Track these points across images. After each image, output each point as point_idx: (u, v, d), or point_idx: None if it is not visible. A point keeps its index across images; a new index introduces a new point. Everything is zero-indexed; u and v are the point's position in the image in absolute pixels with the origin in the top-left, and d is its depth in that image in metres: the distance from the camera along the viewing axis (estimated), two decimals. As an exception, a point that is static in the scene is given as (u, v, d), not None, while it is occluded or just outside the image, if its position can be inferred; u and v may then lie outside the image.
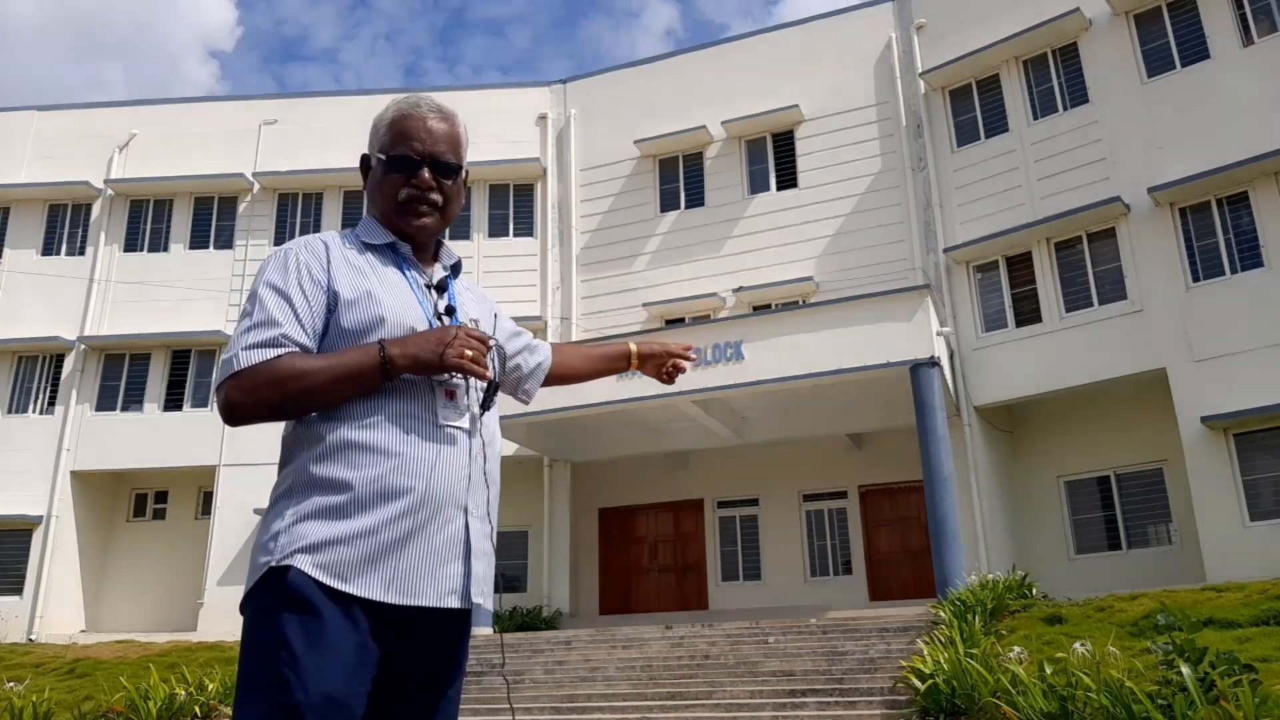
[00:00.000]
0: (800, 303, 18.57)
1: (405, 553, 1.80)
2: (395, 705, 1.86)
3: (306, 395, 1.81)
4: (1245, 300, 14.65)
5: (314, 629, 1.71)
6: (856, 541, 18.67)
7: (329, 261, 1.94)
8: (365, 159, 2.11)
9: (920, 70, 18.83)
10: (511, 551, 19.51)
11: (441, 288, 2.06)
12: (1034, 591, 12.82)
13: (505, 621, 16.70)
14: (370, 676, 1.77)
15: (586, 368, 2.43)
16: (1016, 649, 8.59)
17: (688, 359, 2.46)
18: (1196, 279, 15.31)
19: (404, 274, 2.02)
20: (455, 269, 2.14)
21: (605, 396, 15.98)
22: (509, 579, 19.60)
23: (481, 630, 15.13)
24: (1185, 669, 6.47)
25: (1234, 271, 15.01)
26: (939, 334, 15.33)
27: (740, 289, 19.40)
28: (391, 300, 1.94)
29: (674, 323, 19.78)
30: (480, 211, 21.80)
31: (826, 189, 19.37)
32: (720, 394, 15.88)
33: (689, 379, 15.50)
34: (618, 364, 2.44)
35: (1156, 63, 16.45)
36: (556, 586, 19.20)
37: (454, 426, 1.92)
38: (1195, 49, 16.09)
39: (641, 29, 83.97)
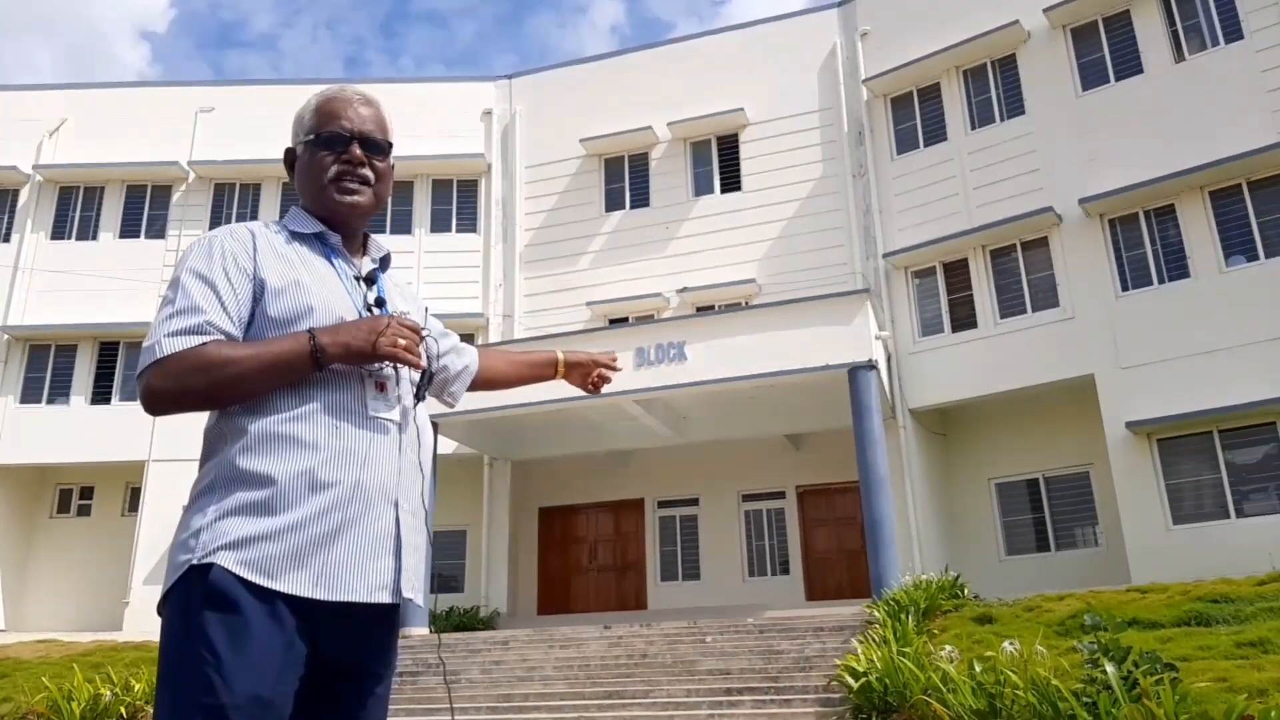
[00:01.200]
0: (743, 304, 18.69)
1: (334, 548, 1.76)
2: (324, 704, 1.82)
3: (233, 384, 1.76)
4: (1171, 310, 15.12)
5: (238, 628, 1.66)
6: (794, 541, 18.86)
7: (255, 249, 1.89)
8: (289, 152, 2.08)
9: (863, 77, 19.08)
10: (449, 551, 19.32)
11: (370, 280, 2.03)
12: (966, 592, 13.07)
13: (441, 622, 16.53)
14: (298, 675, 1.73)
15: (513, 373, 2.41)
16: (948, 648, 8.75)
17: (614, 369, 2.45)
18: (1125, 288, 15.75)
19: (332, 264, 1.98)
20: (384, 262, 2.10)
21: (547, 395, 15.85)
22: (446, 579, 19.40)
23: (417, 630, 14.95)
24: (1110, 668, 6.64)
25: (1161, 282, 15.48)
26: (877, 338, 15.56)
27: (684, 290, 19.47)
28: (320, 290, 1.90)
29: (617, 322, 19.77)
30: (423, 206, 21.55)
31: (770, 192, 19.53)
32: (663, 394, 15.92)
33: (632, 378, 15.54)
34: (544, 371, 2.42)
35: (1091, 76, 16.90)
36: (494, 586, 19.06)
37: (385, 418, 1.88)
38: (1129, 64, 16.56)
39: (588, 25, 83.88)
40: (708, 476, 19.45)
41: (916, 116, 18.72)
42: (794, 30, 20.44)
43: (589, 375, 2.44)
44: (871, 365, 14.88)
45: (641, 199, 20.83)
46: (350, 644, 1.82)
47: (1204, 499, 14.41)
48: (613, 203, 21.03)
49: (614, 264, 20.31)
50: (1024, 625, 10.18)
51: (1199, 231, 15.24)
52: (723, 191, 20.22)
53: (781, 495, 19.18)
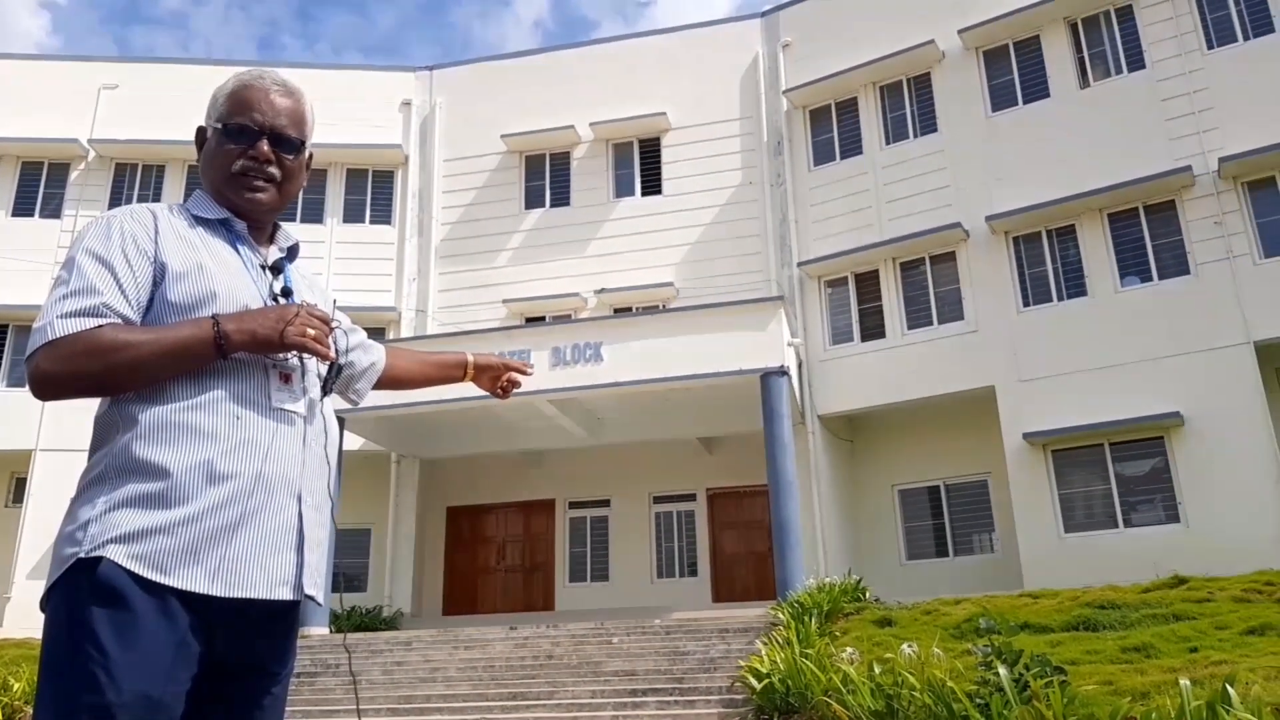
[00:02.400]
0: (660, 307, 18.77)
1: (233, 542, 1.70)
2: (219, 703, 1.77)
3: (129, 370, 1.69)
4: (1069, 326, 15.74)
5: (127, 624, 1.60)
6: (703, 543, 19.03)
7: (157, 231, 1.81)
8: (201, 131, 1.99)
9: (784, 88, 19.38)
10: (352, 550, 18.90)
11: (277, 269, 1.96)
12: (867, 595, 13.36)
13: (343, 621, 16.18)
14: (191, 674, 1.67)
15: (420, 373, 2.35)
16: (849, 650, 8.93)
17: (525, 374, 2.42)
18: (1027, 304, 16.34)
19: (237, 252, 1.91)
20: (292, 252, 2.04)
21: (460, 393, 15.63)
22: (349, 578, 18.98)
23: (317, 630, 14.61)
24: (1002, 670, 6.86)
25: (1060, 299, 16.11)
26: (790, 344, 15.83)
27: (602, 290, 19.47)
28: (224, 276, 1.83)
29: (534, 320, 19.66)
30: (336, 196, 21.05)
31: (690, 197, 19.67)
32: (578, 394, 15.89)
33: (547, 378, 15.46)
34: (453, 373, 2.38)
35: (1001, 98, 17.49)
36: (398, 586, 18.74)
37: (289, 410, 1.83)
38: (1037, 88, 17.19)
39: (512, 19, 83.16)
40: (620, 478, 19.48)
41: (834, 129, 19.10)
42: (718, 38, 20.64)
43: (498, 379, 2.41)
44: (783, 371, 15.12)
45: (562, 198, 20.76)
46: (248, 642, 1.77)
47: (1094, 509, 15.05)
48: (533, 200, 20.90)
49: (532, 262, 20.19)
50: (922, 628, 10.45)
51: (1097, 252, 15.91)
52: (643, 194, 20.29)
53: (692, 498, 19.34)
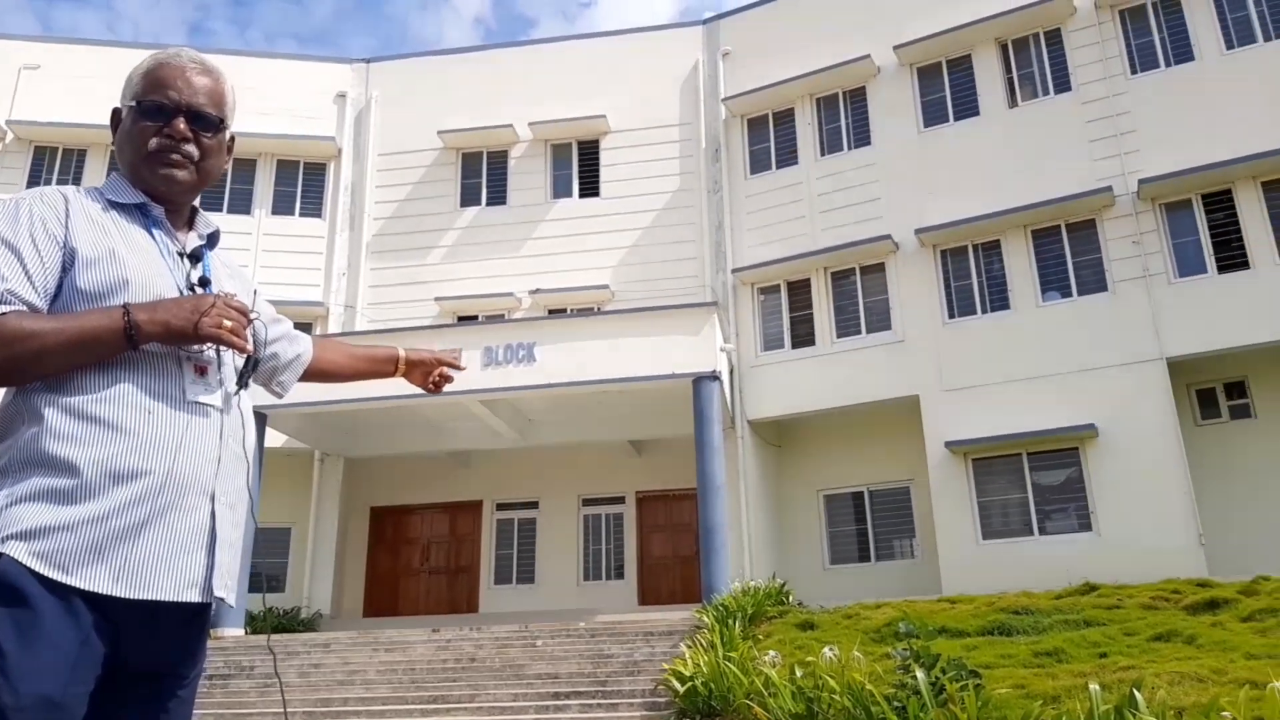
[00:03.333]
0: (595, 309, 18.75)
1: (140, 541, 1.64)
2: (124, 705, 1.71)
3: (34, 360, 1.62)
4: (991, 338, 16.16)
5: (26, 624, 1.54)
6: (630, 546, 19.04)
7: (68, 215, 1.75)
8: (116, 112, 1.93)
9: (723, 96, 19.54)
10: (271, 549, 18.43)
11: (196, 257, 1.90)
12: (791, 599, 13.52)
13: (259, 623, 15.79)
14: (94, 675, 1.61)
15: (349, 367, 2.29)
16: (771, 653, 9.00)
17: (457, 368, 2.39)
18: (952, 315, 16.72)
19: (153, 238, 1.84)
20: (212, 240, 1.97)
21: (387, 391, 15.36)
22: (266, 578, 18.52)
23: (231, 631, 14.26)
24: (920, 674, 6.99)
25: (984, 311, 16.52)
26: (722, 350, 15.95)
27: (537, 291, 19.37)
28: (138, 263, 1.77)
29: (467, 319, 19.48)
30: (265, 187, 20.56)
31: (627, 201, 19.70)
32: (509, 395, 15.79)
33: (478, 378, 15.32)
34: (384, 367, 2.32)
35: (933, 114, 17.89)
36: (318, 587, 18.36)
37: (205, 404, 1.77)
38: (967, 106, 17.62)
39: (452, 13, 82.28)
40: (549, 480, 19.39)
41: (771, 139, 19.31)
42: (659, 43, 20.72)
43: (430, 374, 2.37)
44: (716, 376, 15.23)
45: (498, 196, 20.60)
46: (155, 644, 1.71)
47: (1011, 517, 15.46)
48: (468, 198, 20.71)
49: (466, 260, 20.00)
50: (843, 632, 10.60)
51: (1020, 267, 16.36)
52: (581, 196, 20.25)
53: (621, 500, 19.34)
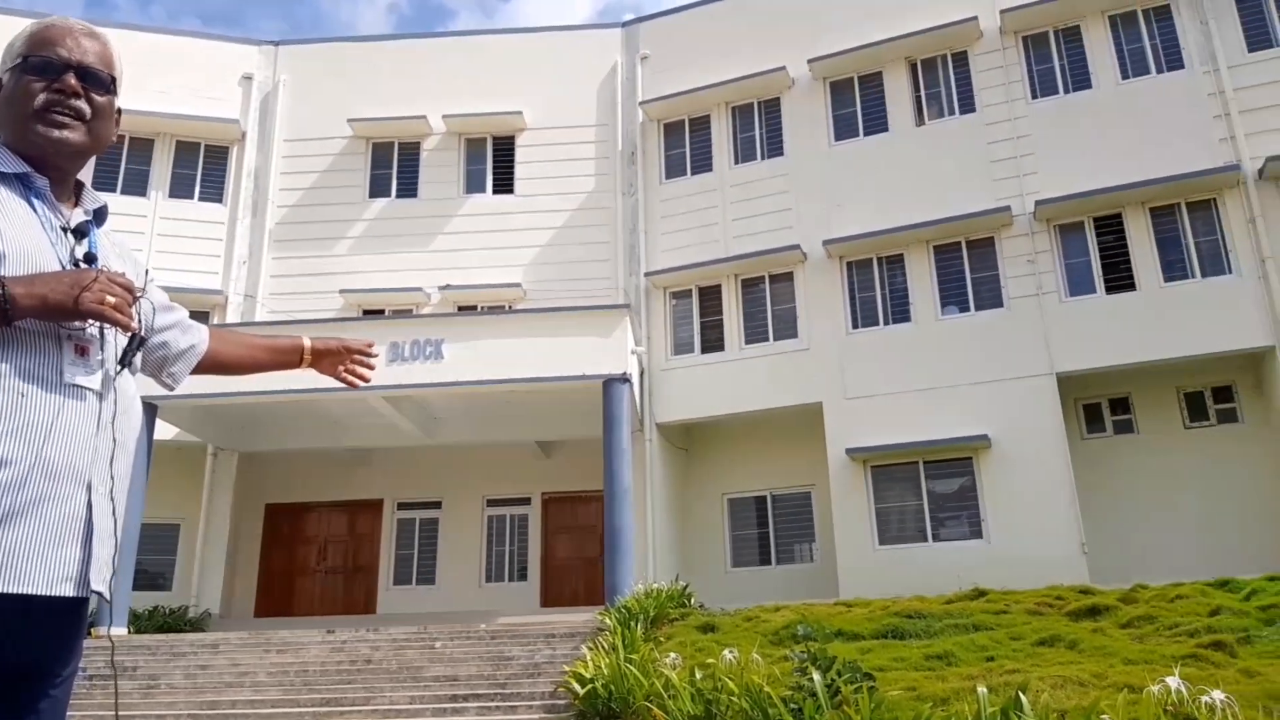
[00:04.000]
0: (506, 308, 18.58)
1: (9, 533, 1.54)
2: (-8, 705, 1.60)
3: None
4: (892, 349, 16.58)
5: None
6: (535, 548, 18.90)
7: None
8: None
9: (640, 99, 19.60)
10: (158, 545, 17.69)
11: (81, 233, 1.79)
12: (693, 601, 13.60)
13: (143, 621, 15.14)
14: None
15: (249, 358, 2.19)
16: (672, 655, 9.03)
17: (369, 358, 2.30)
18: (856, 326, 17.11)
19: (34, 210, 1.73)
20: (99, 215, 1.86)
21: (288, 384, 15.00)
22: (152, 575, 17.76)
23: (115, 630, 13.61)
24: (816, 676, 7.10)
25: (886, 323, 16.95)
26: (633, 352, 15.98)
27: (446, 287, 19.07)
28: (16, 235, 1.65)
29: (373, 313, 19.07)
30: (162, 168, 19.72)
31: (542, 199, 19.57)
32: (415, 392, 15.53)
33: (383, 374, 14.97)
34: (288, 358, 2.23)
35: (844, 128, 18.28)
36: (207, 586, 17.70)
37: (83, 386, 1.66)
38: (877, 121, 18.06)
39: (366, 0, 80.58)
40: (453, 479, 19.12)
41: (686, 144, 19.45)
42: (579, 42, 20.66)
43: (340, 364, 2.28)
44: (626, 379, 15.25)
45: (409, 189, 20.23)
46: (27, 641, 1.61)
47: (907, 523, 15.88)
48: (377, 189, 20.28)
49: (374, 253, 19.57)
50: (743, 634, 10.71)
51: (921, 281, 16.84)
52: (495, 192, 20.03)
53: (527, 501, 19.19)
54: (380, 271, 19.35)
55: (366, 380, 2.32)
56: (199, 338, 2.06)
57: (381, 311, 19.16)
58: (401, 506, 19.51)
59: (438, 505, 19.37)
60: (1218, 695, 4.56)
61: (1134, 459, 15.73)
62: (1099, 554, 14.68)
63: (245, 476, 18.69)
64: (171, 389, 2.08)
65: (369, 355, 2.30)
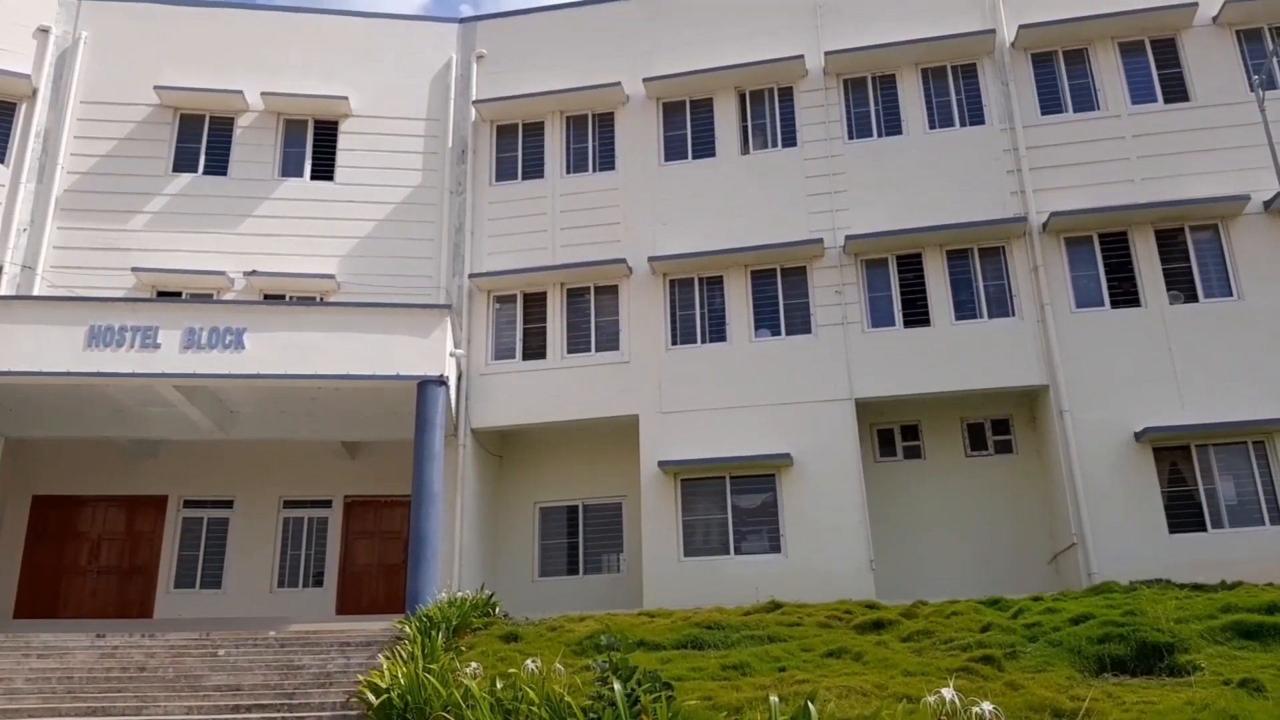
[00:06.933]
0: (318, 299, 17.81)
1: None
2: None
3: None
4: (708, 367, 17.04)
5: None
6: (333, 553, 18.12)
7: None
8: None
9: (474, 98, 19.30)
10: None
11: None
12: (497, 611, 13.43)
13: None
14: None
15: None
16: (473, 664, 8.87)
17: None
18: (675, 342, 17.46)
19: None
20: None
21: (67, 366, 13.79)
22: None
23: None
24: (616, 685, 7.12)
25: (704, 341, 17.39)
26: (452, 355, 15.67)
27: (253, 273, 18.04)
28: None
29: (168, 295, 17.80)
30: (-68, 118, 17.72)
31: (364, 190, 18.88)
32: (211, 382, 14.64)
33: (175, 361, 14.08)
34: None
35: (674, 149, 18.67)
36: (-42, 582, 15.94)
37: None
38: (706, 146, 18.55)
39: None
40: (248, 477, 18.09)
41: (519, 149, 19.30)
42: (414, 34, 20.13)
43: None
44: (442, 381, 14.93)
45: (219, 166, 19.03)
46: None
47: (712, 536, 16.30)
48: (183, 163, 18.97)
49: (174, 230, 18.28)
50: (547, 644, 10.66)
51: (738, 303, 17.40)
52: (314, 178, 19.15)
53: (328, 504, 18.38)
54: (180, 251, 18.09)
55: None
56: None
57: (179, 294, 17.92)
58: (189, 504, 18.23)
59: (229, 504, 18.23)
60: (986, 706, 4.89)
61: (920, 483, 16.83)
62: (886, 571, 15.60)
63: (9, 464, 16.90)
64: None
65: None
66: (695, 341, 17.42)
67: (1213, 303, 15.90)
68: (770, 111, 18.57)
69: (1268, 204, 15.85)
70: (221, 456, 17.86)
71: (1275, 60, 16.02)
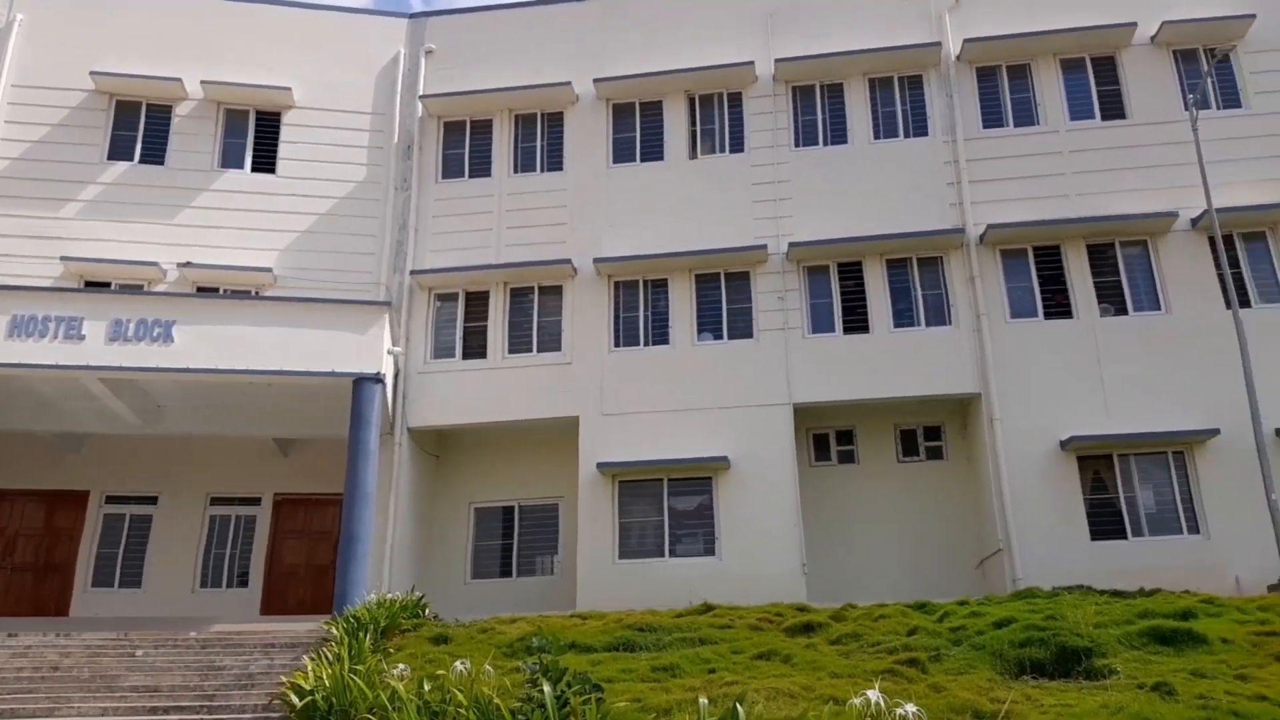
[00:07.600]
0: (253, 293, 17.43)
1: None
2: None
3: None
4: (649, 370, 17.03)
5: None
6: (259, 552, 17.72)
7: None
8: None
9: (421, 93, 19.08)
10: None
11: None
12: (427, 612, 13.24)
13: None
14: None
15: None
16: (401, 666, 8.72)
17: None
18: (618, 344, 17.42)
19: None
20: None
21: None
22: None
23: None
24: (546, 687, 7.07)
25: (647, 344, 17.39)
26: (390, 352, 15.46)
27: (187, 265, 17.61)
28: None
29: (97, 285, 17.30)
30: None
31: (305, 183, 18.54)
32: (137, 375, 14.24)
33: (101, 353, 13.69)
34: None
35: (623, 151, 18.66)
36: None
37: None
38: (654, 149, 18.57)
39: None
40: (174, 473, 17.65)
41: (466, 146, 19.13)
42: (361, 27, 19.84)
43: None
44: (379, 379, 14.73)
45: (155, 155, 18.57)
46: None
47: (647, 538, 16.28)
48: (119, 151, 18.48)
49: (106, 219, 17.78)
50: (477, 646, 10.53)
51: (682, 306, 17.42)
52: (254, 170, 18.76)
53: (257, 502, 17.98)
54: (111, 241, 17.59)
55: None
56: None
57: (108, 285, 17.42)
58: (111, 500, 17.70)
59: (153, 501, 17.75)
60: (910, 708, 4.93)
61: (853, 487, 17.00)
62: (817, 574, 15.73)
63: (-78, 457, 16.33)
64: None
65: None
66: (638, 344, 17.40)
67: (1141, 316, 16.33)
68: (719, 116, 18.66)
69: (1195, 221, 16.32)
70: (147, 451, 17.41)
71: (1210, 80, 16.54)
